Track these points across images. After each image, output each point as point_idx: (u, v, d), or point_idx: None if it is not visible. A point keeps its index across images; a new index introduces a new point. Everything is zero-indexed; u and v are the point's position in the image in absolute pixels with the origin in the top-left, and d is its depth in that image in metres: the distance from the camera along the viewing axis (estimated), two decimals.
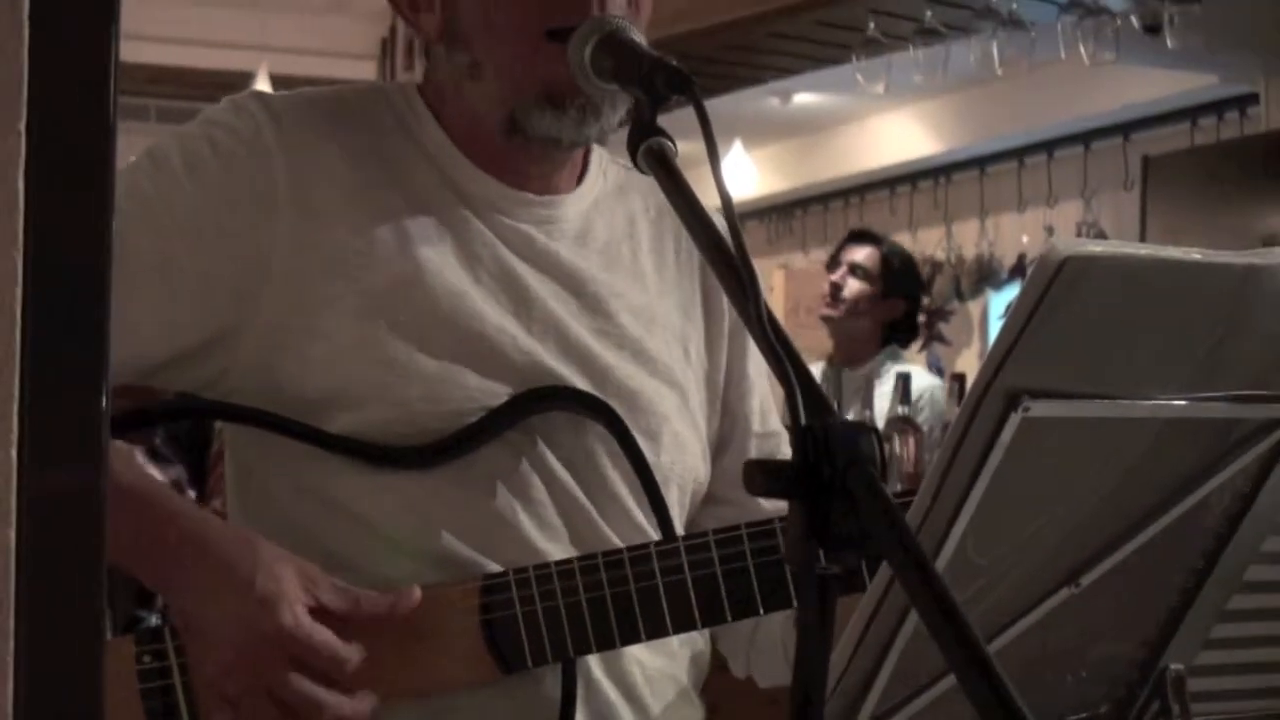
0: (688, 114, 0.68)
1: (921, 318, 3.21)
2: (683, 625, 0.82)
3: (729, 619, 0.82)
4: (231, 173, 0.83)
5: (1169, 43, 2.65)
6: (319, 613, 0.78)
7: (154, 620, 0.82)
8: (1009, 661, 0.48)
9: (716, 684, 0.94)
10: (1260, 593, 0.70)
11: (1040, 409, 0.57)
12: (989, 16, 2.72)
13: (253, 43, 3.83)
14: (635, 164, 0.69)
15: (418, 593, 0.80)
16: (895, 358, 2.72)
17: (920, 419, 2.40)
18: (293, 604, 0.76)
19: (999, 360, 0.57)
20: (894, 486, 2.20)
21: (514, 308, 0.86)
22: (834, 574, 0.51)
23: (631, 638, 0.82)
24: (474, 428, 0.83)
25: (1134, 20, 2.69)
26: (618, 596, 0.81)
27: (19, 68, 0.41)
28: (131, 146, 0.83)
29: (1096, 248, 0.56)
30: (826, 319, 2.79)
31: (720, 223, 0.64)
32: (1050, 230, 4.16)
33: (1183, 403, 0.62)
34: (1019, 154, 4.29)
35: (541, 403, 0.84)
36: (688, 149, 0.68)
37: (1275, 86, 3.38)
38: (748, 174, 4.74)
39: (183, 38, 3.80)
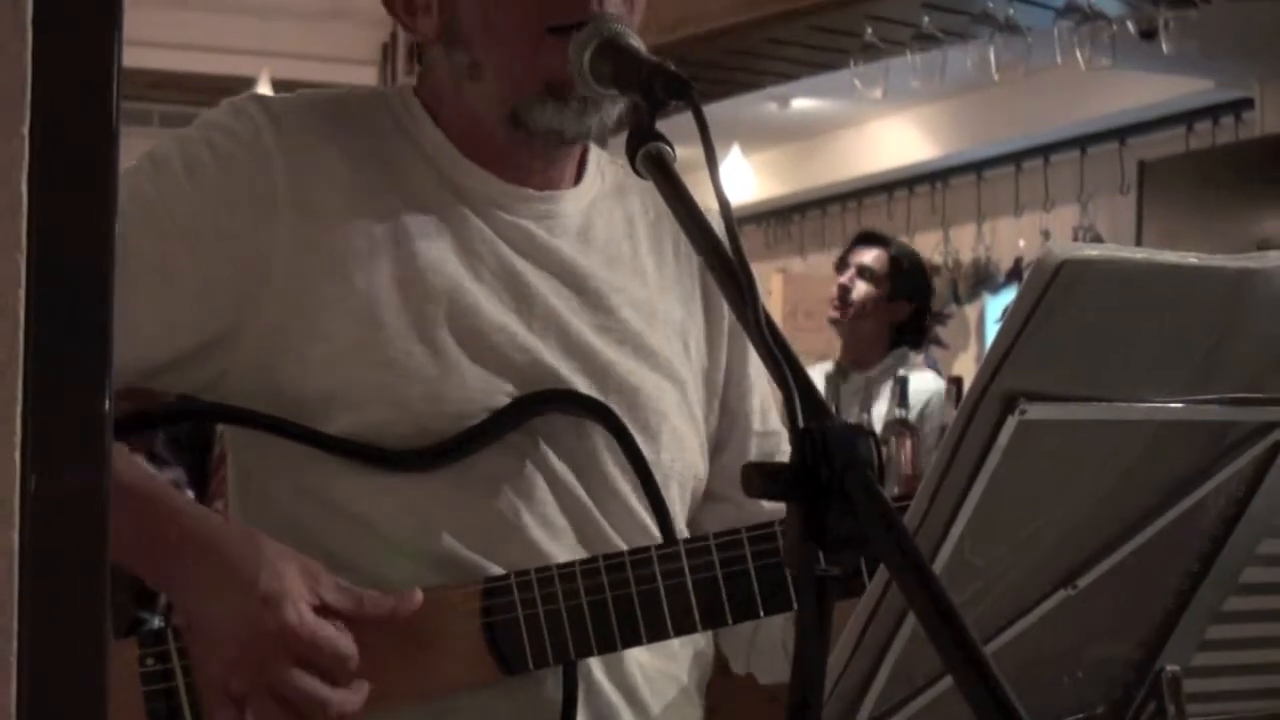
0: (686, 119, 0.68)
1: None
2: (683, 628, 0.82)
3: (729, 621, 0.83)
4: (231, 175, 0.83)
5: (1164, 48, 2.66)
6: (322, 611, 0.78)
7: (156, 622, 0.82)
8: (1006, 663, 0.49)
9: (716, 685, 0.94)
10: (1255, 595, 0.70)
11: (1037, 412, 0.58)
12: (986, 22, 2.73)
13: (254, 48, 3.83)
14: (634, 169, 0.69)
15: (419, 595, 0.80)
16: (904, 360, 2.70)
17: (929, 426, 2.39)
18: (296, 601, 0.76)
19: (996, 363, 0.57)
20: (892, 489, 2.20)
21: (515, 305, 0.86)
22: (832, 575, 0.51)
23: (632, 640, 0.82)
24: (475, 430, 0.83)
25: (1130, 26, 2.69)
26: (619, 599, 0.81)
27: (22, 71, 0.41)
28: (134, 151, 0.83)
29: (1093, 251, 0.57)
30: (834, 322, 2.79)
31: (718, 226, 0.64)
32: (1047, 234, 4.17)
33: (1179, 406, 0.62)
34: (1016, 159, 4.31)
35: (542, 405, 0.84)
36: (686, 154, 0.68)
37: (1270, 91, 3.39)
38: (746, 178, 4.74)
39: (185, 43, 3.80)
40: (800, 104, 4.26)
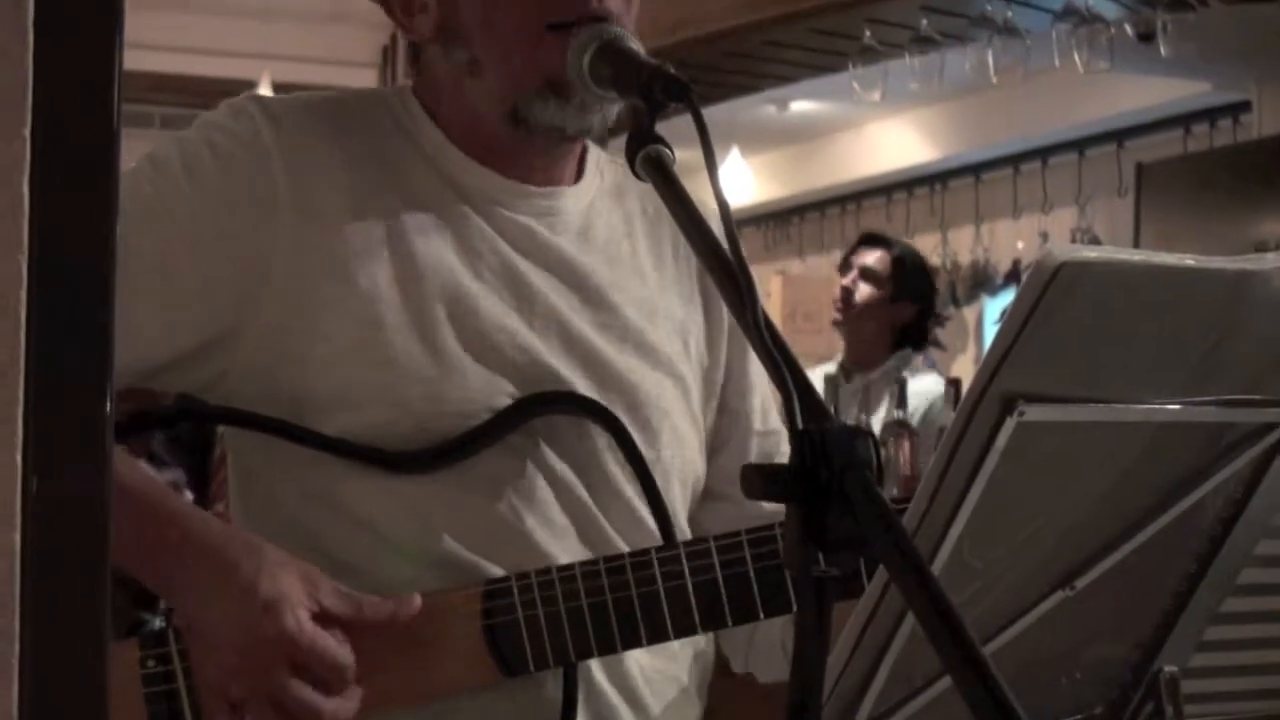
0: (686, 122, 0.69)
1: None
2: (683, 630, 0.83)
3: (729, 623, 0.83)
4: (231, 175, 0.83)
5: (1162, 51, 2.66)
6: (321, 617, 0.78)
7: (158, 623, 0.82)
8: (1004, 663, 0.49)
9: (716, 685, 0.94)
10: (1253, 595, 0.71)
11: (1035, 413, 0.58)
12: (984, 25, 2.73)
13: (255, 51, 3.84)
14: (634, 171, 0.69)
15: (418, 600, 0.80)
16: (907, 362, 2.69)
17: (934, 428, 2.38)
18: (295, 608, 0.77)
19: (994, 365, 0.57)
20: (890, 491, 2.20)
21: (516, 303, 0.86)
22: (831, 576, 0.51)
23: (633, 642, 0.82)
24: (476, 431, 0.83)
25: (1128, 28, 2.70)
26: (619, 601, 0.81)
27: (24, 74, 0.41)
28: (135, 153, 0.84)
29: (1091, 253, 0.57)
30: (837, 324, 2.79)
31: (717, 227, 0.64)
32: (1045, 236, 4.17)
33: (1176, 407, 0.62)
34: (1014, 161, 4.31)
35: (543, 407, 0.84)
36: (686, 156, 0.68)
37: (1267, 94, 3.40)
38: (745, 181, 4.75)
39: (186, 46, 3.81)
40: (799, 106, 4.26)
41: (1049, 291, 0.55)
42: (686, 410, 0.90)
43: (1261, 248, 3.06)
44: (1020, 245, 4.30)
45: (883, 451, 2.22)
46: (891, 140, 4.55)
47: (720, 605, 0.82)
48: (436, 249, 0.85)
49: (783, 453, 0.94)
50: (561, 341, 0.86)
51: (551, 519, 0.84)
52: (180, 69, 3.78)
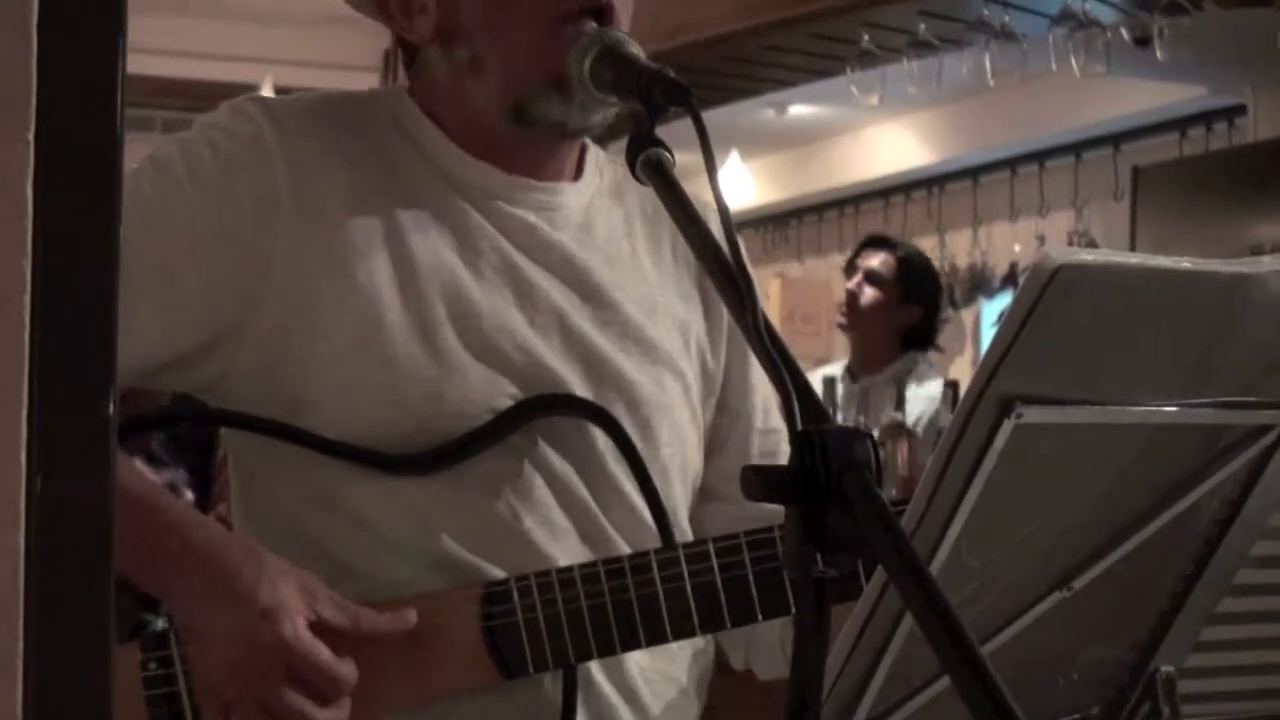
0: (685, 125, 0.69)
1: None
2: (682, 632, 0.83)
3: (728, 625, 0.83)
4: (232, 175, 0.84)
5: (1158, 55, 2.67)
6: (318, 627, 0.78)
7: (160, 624, 0.82)
8: (1001, 664, 0.49)
9: (716, 685, 0.94)
10: (1250, 596, 0.71)
11: (1033, 415, 0.58)
12: (981, 29, 2.74)
13: (257, 55, 3.84)
14: (634, 174, 0.70)
15: (414, 615, 0.80)
16: (913, 364, 2.67)
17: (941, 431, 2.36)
18: (293, 616, 0.77)
19: (992, 367, 0.58)
20: (889, 492, 2.20)
21: (518, 301, 0.86)
22: (830, 577, 0.52)
23: (632, 644, 0.82)
24: (477, 433, 0.83)
25: (1124, 33, 2.71)
26: (618, 604, 0.81)
27: (27, 78, 0.41)
28: (137, 157, 0.84)
29: (1089, 256, 0.57)
30: (843, 328, 2.77)
31: (716, 228, 0.64)
32: (1042, 239, 4.18)
33: (1173, 409, 0.63)
34: (1011, 164, 4.32)
35: (543, 409, 0.84)
36: (686, 160, 0.69)
37: (1263, 98, 3.41)
38: (744, 184, 4.76)
39: (187, 50, 3.81)
40: (798, 110, 4.27)
41: (1046, 294, 0.56)
42: (686, 405, 0.90)
43: (1257, 250, 3.07)
44: (1017, 248, 4.31)
45: (881, 453, 2.21)
46: (889, 144, 4.56)
47: (719, 607, 0.82)
48: (437, 248, 0.85)
49: (784, 451, 0.94)
50: (563, 340, 0.86)
51: (551, 520, 0.84)
52: (182, 73, 3.78)
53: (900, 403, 2.29)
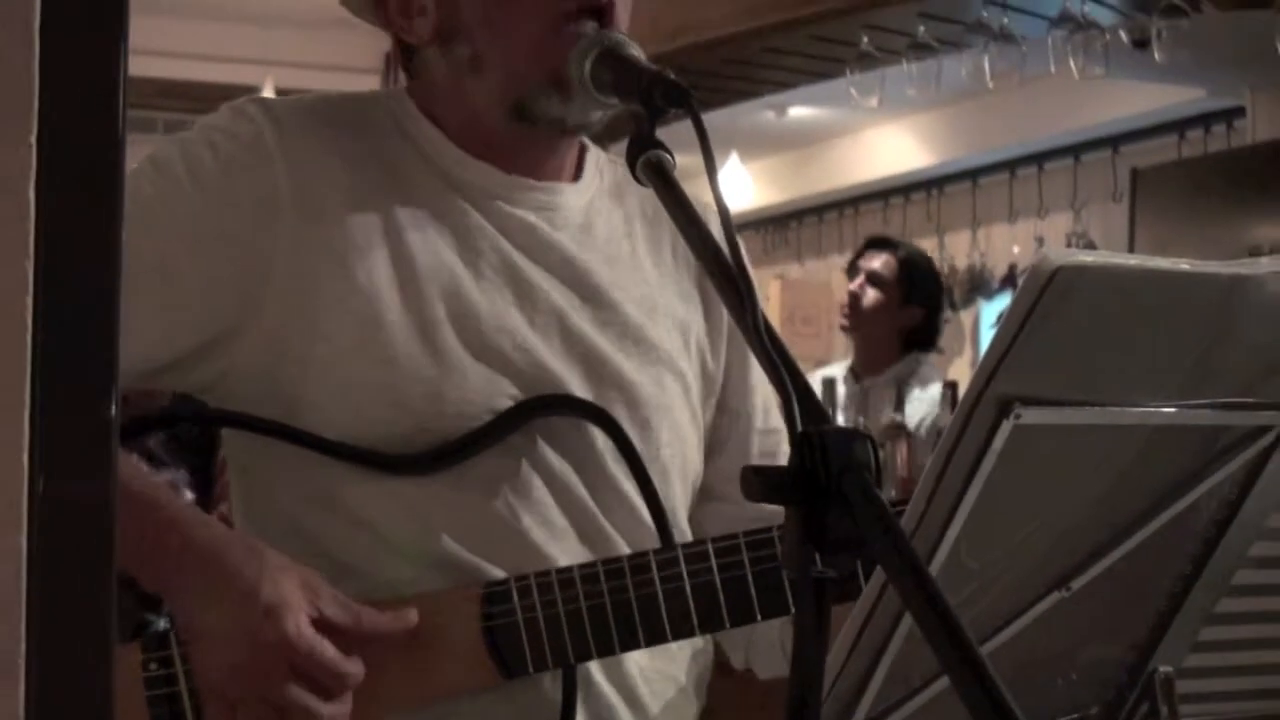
0: (686, 127, 0.69)
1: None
2: (681, 632, 0.83)
3: (727, 626, 0.83)
4: (232, 176, 0.84)
5: (1157, 57, 2.67)
6: (320, 624, 0.78)
7: (162, 624, 0.82)
8: (1000, 664, 0.49)
9: (715, 685, 0.94)
10: (1247, 596, 0.71)
11: (1032, 416, 0.58)
12: (981, 31, 2.74)
13: (258, 57, 3.84)
14: (635, 176, 0.70)
15: (414, 615, 0.80)
16: (916, 365, 2.67)
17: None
18: (296, 613, 0.77)
19: (991, 368, 0.58)
20: (888, 493, 2.20)
21: (517, 301, 0.86)
22: (830, 577, 0.52)
23: (631, 644, 0.82)
24: (476, 433, 0.83)
25: (1123, 35, 2.71)
26: (617, 604, 0.81)
27: (29, 81, 0.42)
28: (138, 158, 0.84)
29: (1088, 258, 0.57)
30: (846, 330, 2.77)
31: (716, 229, 0.65)
32: (1040, 241, 4.18)
33: (1172, 410, 0.63)
34: (1010, 166, 4.32)
35: (543, 410, 0.84)
36: (686, 161, 0.69)
37: (1261, 100, 3.41)
38: (744, 186, 4.76)
39: (189, 52, 3.81)
40: (797, 112, 4.28)
41: (1045, 295, 0.56)
42: (686, 406, 0.91)
43: (1255, 252, 3.07)
44: (1016, 250, 4.31)
45: (880, 454, 2.22)
46: (889, 145, 4.56)
47: (718, 608, 0.82)
48: (437, 248, 0.86)
49: (784, 451, 0.94)
50: (563, 341, 0.86)
51: (551, 519, 0.85)
52: (183, 75, 3.79)
53: (900, 404, 2.30)
